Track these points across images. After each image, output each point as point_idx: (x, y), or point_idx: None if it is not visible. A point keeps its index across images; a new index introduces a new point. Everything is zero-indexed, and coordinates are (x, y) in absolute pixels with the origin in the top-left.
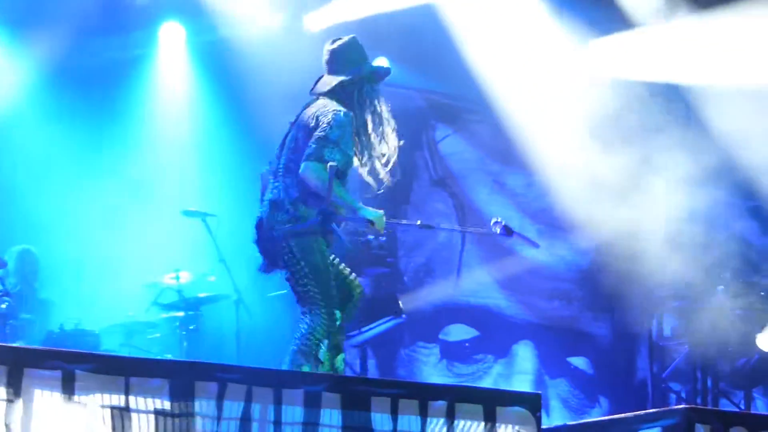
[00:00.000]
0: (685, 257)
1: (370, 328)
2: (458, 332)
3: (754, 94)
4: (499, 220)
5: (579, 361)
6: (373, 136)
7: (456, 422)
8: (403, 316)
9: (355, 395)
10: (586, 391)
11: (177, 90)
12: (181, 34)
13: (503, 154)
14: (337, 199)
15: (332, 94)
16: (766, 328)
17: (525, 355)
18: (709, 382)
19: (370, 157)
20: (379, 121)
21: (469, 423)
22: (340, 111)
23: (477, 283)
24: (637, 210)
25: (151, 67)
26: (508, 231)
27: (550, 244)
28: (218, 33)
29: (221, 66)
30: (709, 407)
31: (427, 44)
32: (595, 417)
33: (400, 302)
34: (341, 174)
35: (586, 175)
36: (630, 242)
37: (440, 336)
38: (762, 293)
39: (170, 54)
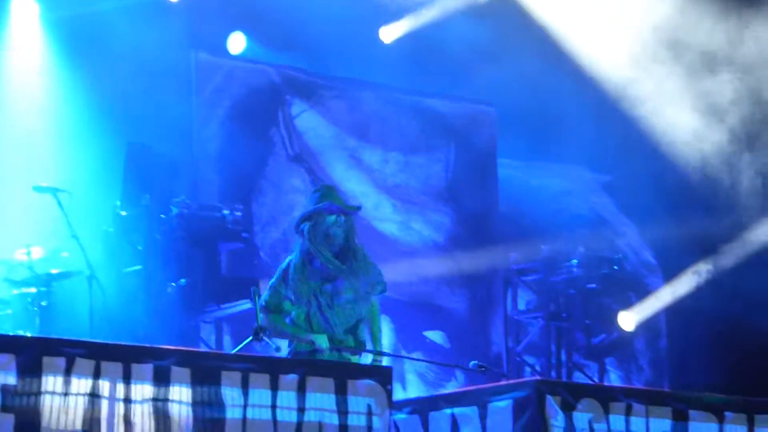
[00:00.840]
0: (535, 232)
1: (228, 307)
2: None
3: None
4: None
5: (436, 335)
6: None
7: (307, 395)
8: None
9: (206, 370)
10: (441, 365)
11: (29, 65)
12: (34, 10)
13: (359, 129)
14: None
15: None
16: (631, 308)
17: (382, 329)
18: (563, 356)
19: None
20: None
21: (320, 396)
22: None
23: None
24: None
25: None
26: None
27: (407, 219)
28: (74, 8)
29: (76, 41)
30: (562, 380)
31: (282, 19)
32: (450, 390)
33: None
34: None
35: None
36: (485, 218)
37: None
38: (615, 267)
39: (22, 29)
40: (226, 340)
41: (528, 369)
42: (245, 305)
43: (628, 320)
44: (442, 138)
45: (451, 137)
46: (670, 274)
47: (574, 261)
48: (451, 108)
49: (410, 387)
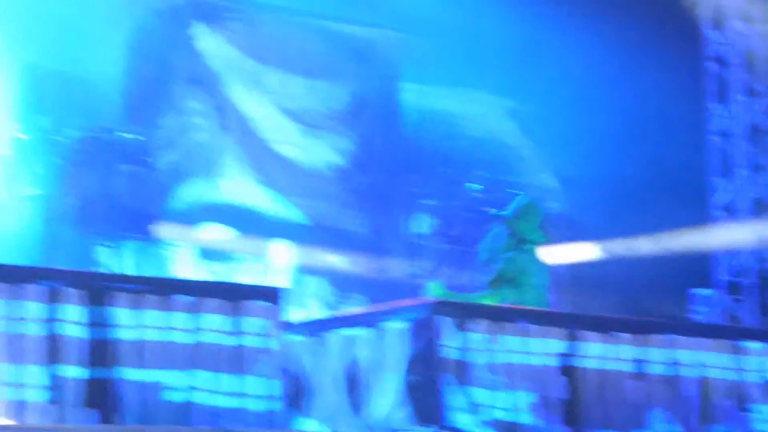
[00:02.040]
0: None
1: (128, 233)
2: (215, 231)
3: None
4: None
5: (337, 259)
6: None
7: (201, 316)
8: None
9: (99, 291)
10: (343, 288)
11: None
12: None
13: (261, 52)
14: None
15: None
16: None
17: (284, 253)
18: (463, 279)
19: None
20: None
21: (214, 317)
22: None
23: (236, 182)
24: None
25: None
26: None
27: (309, 143)
28: None
29: None
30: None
31: None
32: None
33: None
34: None
35: None
36: (388, 142)
37: (196, 234)
38: (516, 191)
39: None
40: (126, 262)
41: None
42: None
43: None
44: (346, 62)
45: (354, 61)
46: (571, 198)
47: (475, 185)
48: (355, 32)
49: (309, 309)
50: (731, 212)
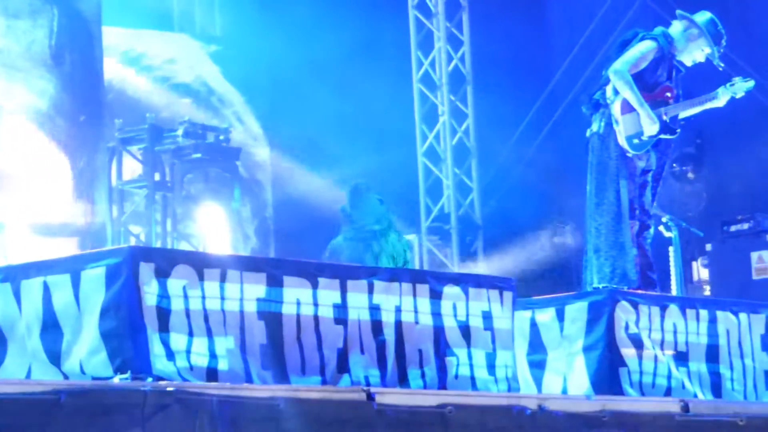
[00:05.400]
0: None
1: None
2: None
3: None
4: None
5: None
6: None
7: None
8: None
9: None
10: (45, 236)
11: None
12: None
13: None
14: None
15: None
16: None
17: None
18: (168, 225)
19: None
20: None
21: None
22: None
23: None
24: None
25: None
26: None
27: (8, 87)
28: None
29: None
30: (155, 246)
31: None
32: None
33: None
34: None
35: None
36: (90, 87)
37: None
38: (221, 137)
39: None
40: None
41: (133, 238)
42: None
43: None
44: (46, 3)
45: (54, 3)
46: (273, 143)
47: (180, 130)
48: None
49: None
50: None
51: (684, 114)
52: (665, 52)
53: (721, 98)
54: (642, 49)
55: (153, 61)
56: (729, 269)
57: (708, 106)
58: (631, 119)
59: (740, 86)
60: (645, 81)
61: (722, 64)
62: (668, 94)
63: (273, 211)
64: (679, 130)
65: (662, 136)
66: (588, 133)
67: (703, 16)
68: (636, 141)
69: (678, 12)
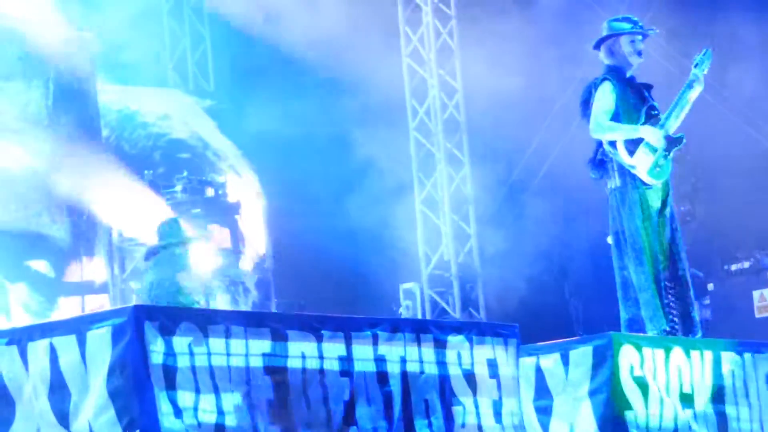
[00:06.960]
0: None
1: None
2: None
3: None
4: None
5: (39, 264)
6: None
7: None
8: None
9: None
10: (46, 295)
11: None
12: None
13: None
14: None
15: None
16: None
17: None
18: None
19: None
20: None
21: None
22: None
23: None
24: None
25: None
26: None
27: (2, 147)
28: None
29: None
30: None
31: None
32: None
33: None
34: None
35: None
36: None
37: None
38: (219, 191)
39: None
40: None
41: (134, 296)
42: None
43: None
44: (40, 64)
45: (49, 63)
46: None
47: (178, 186)
48: (47, 34)
49: (16, 318)
50: None
51: (678, 121)
52: (621, 79)
53: (699, 80)
54: (602, 96)
55: (147, 116)
56: (731, 308)
57: (693, 95)
58: (641, 154)
59: (702, 59)
60: (626, 116)
61: (656, 29)
62: (653, 112)
63: (273, 261)
64: (681, 134)
65: (672, 148)
66: (607, 191)
67: (603, 27)
68: (657, 170)
69: (591, 47)
